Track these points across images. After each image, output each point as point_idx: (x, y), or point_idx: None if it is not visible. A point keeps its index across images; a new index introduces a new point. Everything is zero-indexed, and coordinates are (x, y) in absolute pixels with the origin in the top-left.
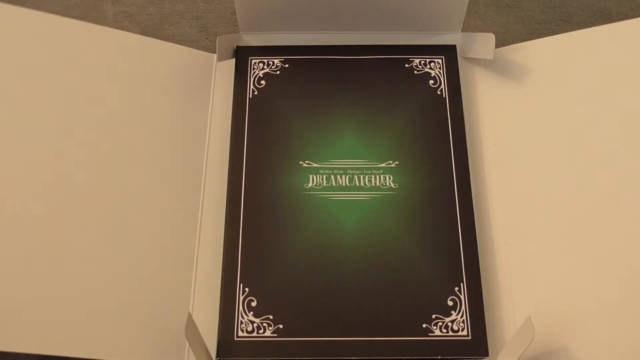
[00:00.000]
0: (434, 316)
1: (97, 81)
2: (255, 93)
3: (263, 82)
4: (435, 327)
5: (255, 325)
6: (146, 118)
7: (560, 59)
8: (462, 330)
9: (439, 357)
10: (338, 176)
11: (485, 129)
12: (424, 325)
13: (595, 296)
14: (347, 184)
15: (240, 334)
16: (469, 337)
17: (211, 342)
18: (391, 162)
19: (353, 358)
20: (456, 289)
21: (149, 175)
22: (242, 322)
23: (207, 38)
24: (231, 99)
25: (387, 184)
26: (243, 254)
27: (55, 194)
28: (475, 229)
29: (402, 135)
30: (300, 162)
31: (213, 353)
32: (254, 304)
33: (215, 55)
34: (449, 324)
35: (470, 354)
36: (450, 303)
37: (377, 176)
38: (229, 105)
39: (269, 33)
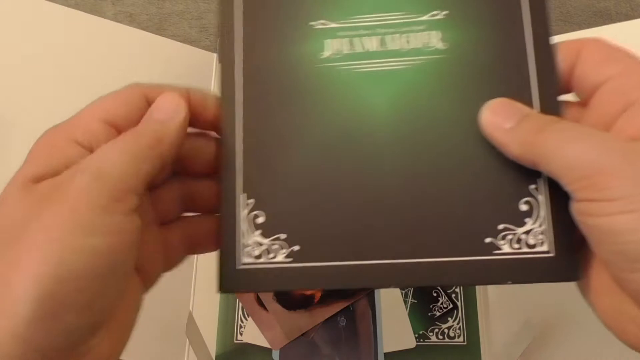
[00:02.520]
0: (500, 226)
1: (97, 75)
2: None
3: None
4: (503, 242)
5: (264, 248)
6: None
7: None
8: (542, 244)
9: (510, 282)
10: (364, 38)
11: None
12: (487, 240)
13: None
14: (377, 48)
15: (245, 260)
16: (552, 254)
17: (211, 341)
18: (438, 12)
19: (391, 287)
20: (532, 186)
21: None
22: (246, 245)
23: (207, 38)
24: None
25: (433, 44)
26: (245, 153)
27: None
28: (557, 101)
29: None
30: (312, 23)
31: (213, 353)
32: (261, 219)
33: (215, 55)
34: (522, 236)
35: (554, 278)
36: (523, 207)
37: (419, 34)
38: None
39: None
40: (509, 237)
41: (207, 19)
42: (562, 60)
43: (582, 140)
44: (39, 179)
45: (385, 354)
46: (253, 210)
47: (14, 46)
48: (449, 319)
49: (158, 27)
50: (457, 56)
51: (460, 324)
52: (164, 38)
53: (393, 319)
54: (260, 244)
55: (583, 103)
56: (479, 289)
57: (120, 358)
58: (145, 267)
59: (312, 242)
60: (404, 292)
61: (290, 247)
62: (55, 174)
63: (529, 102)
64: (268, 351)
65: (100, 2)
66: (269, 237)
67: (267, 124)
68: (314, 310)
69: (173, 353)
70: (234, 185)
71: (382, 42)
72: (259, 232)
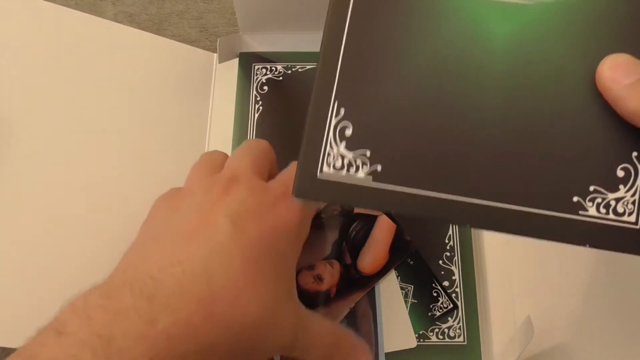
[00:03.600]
0: (592, 188)
1: (97, 75)
2: None
3: None
4: (590, 204)
5: (346, 160)
6: (146, 115)
7: None
8: (630, 214)
9: (588, 245)
10: None
11: None
12: (575, 199)
13: (598, 293)
14: None
15: (325, 169)
16: (638, 226)
17: None
18: None
19: (467, 225)
20: (635, 154)
21: (148, 172)
22: (329, 155)
23: (207, 38)
24: (233, 99)
25: None
26: (344, 59)
27: (54, 192)
28: None
29: None
30: None
31: None
32: (348, 131)
33: (215, 55)
34: (612, 202)
35: (635, 250)
36: (620, 173)
37: None
38: (230, 105)
39: (269, 33)
40: (598, 200)
41: (207, 19)
42: None
43: None
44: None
45: (386, 354)
46: (342, 120)
47: (14, 46)
48: (449, 318)
49: (158, 27)
50: (591, 3)
51: (461, 323)
52: (164, 38)
53: (394, 319)
54: (344, 157)
55: None
56: (479, 289)
57: None
58: None
59: (395, 164)
60: (404, 292)
61: (372, 165)
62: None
63: None
64: None
65: (100, 2)
66: (354, 150)
67: (373, 31)
68: (332, 305)
69: None
70: (329, 90)
71: None
72: (343, 143)
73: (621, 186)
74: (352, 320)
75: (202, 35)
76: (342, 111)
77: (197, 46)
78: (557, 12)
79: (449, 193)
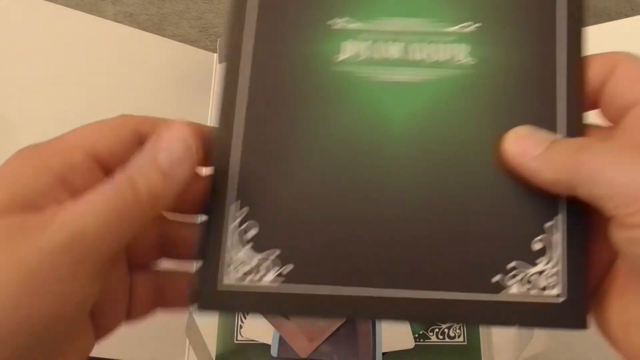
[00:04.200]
0: (511, 265)
1: (97, 75)
2: None
3: None
4: (512, 282)
5: (253, 264)
6: (145, 114)
7: None
8: (553, 287)
9: (517, 325)
10: (387, 43)
11: None
12: (495, 279)
13: None
14: (400, 56)
15: (229, 278)
16: (563, 299)
17: (211, 341)
18: (470, 23)
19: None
20: (548, 224)
21: None
22: (234, 260)
23: (207, 38)
24: None
25: (460, 58)
26: (243, 156)
27: None
28: (584, 124)
29: None
30: (329, 23)
31: (213, 353)
32: (254, 231)
33: (215, 55)
34: (533, 277)
35: (563, 325)
36: (537, 246)
37: (446, 45)
38: None
39: None
40: (519, 277)
41: (207, 19)
42: (594, 75)
43: (632, 159)
44: (3, 209)
45: (383, 353)
46: (245, 221)
47: (14, 46)
48: None
49: (158, 27)
50: (484, 74)
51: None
52: (164, 38)
53: None
54: (249, 260)
55: (611, 124)
56: None
57: (121, 359)
58: (103, 314)
59: (307, 262)
60: None
61: (283, 265)
62: (23, 204)
63: (553, 126)
64: (267, 347)
65: (100, 2)
66: (261, 252)
67: (271, 126)
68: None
69: (173, 353)
70: (226, 190)
71: (406, 50)
72: (249, 246)
73: (540, 259)
74: (350, 320)
75: (202, 35)
76: (245, 211)
77: (197, 46)
78: (452, 87)
79: (367, 286)
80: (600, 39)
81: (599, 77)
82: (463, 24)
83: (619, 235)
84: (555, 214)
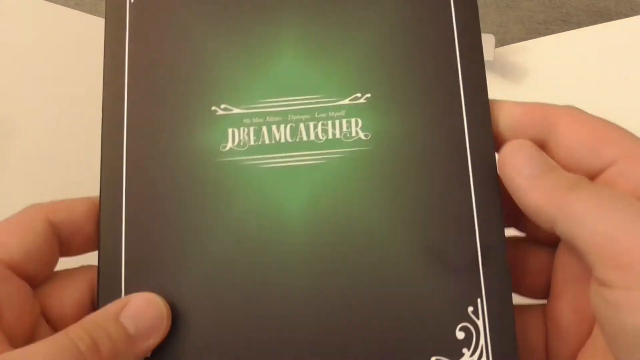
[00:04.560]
0: (433, 359)
1: (97, 75)
2: None
3: None
4: None
5: None
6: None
7: (560, 59)
8: None
9: None
10: (273, 127)
11: None
12: None
13: None
14: (289, 139)
15: None
16: None
17: None
18: (359, 94)
19: None
20: (470, 309)
21: None
22: None
23: None
24: None
25: (354, 133)
26: (127, 267)
27: (54, 191)
28: (500, 205)
29: (377, 51)
30: (214, 108)
31: None
32: None
33: None
34: None
35: None
36: (460, 335)
37: (337, 122)
38: None
39: None
40: None
41: None
42: (524, 128)
43: (621, 209)
44: None
45: None
46: None
47: (14, 46)
48: None
49: None
50: (381, 148)
51: None
52: None
53: None
54: None
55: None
56: None
57: None
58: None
59: None
60: None
61: None
62: None
63: (468, 203)
64: None
65: (100, 2)
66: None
67: (151, 232)
68: None
69: None
70: (113, 296)
71: (295, 131)
72: None
73: (464, 350)
74: None
75: None
76: None
77: None
78: (349, 167)
79: None
80: (600, 39)
81: (533, 131)
82: (353, 96)
83: (597, 297)
84: (479, 295)
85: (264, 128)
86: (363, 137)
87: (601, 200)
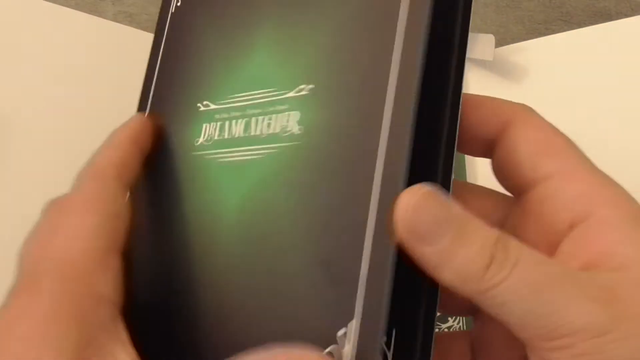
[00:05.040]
0: None
1: (97, 75)
2: (178, 4)
3: None
4: None
5: None
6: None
7: (560, 59)
8: None
9: None
10: (234, 122)
11: None
12: None
13: None
14: (242, 133)
15: None
16: None
17: None
18: (304, 86)
19: None
20: (340, 332)
21: None
22: None
23: None
24: None
25: (290, 127)
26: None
27: (54, 191)
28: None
29: (328, 41)
30: (198, 104)
31: None
32: None
33: None
34: None
35: None
36: None
37: (280, 115)
38: None
39: None
40: None
41: None
42: (480, 120)
43: (551, 286)
44: None
45: None
46: None
47: (14, 46)
48: (449, 319)
49: None
50: (307, 144)
51: (461, 324)
52: None
53: None
54: None
55: (505, 189)
56: None
57: None
58: None
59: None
60: None
61: None
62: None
63: (361, 211)
64: None
65: (100, 2)
66: None
67: (141, 214)
68: None
69: None
70: None
71: (247, 127)
72: None
73: None
74: None
75: None
76: None
77: None
78: (280, 163)
79: None
80: (600, 39)
81: (489, 126)
82: (299, 87)
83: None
84: (351, 317)
85: (227, 123)
86: (297, 132)
87: (530, 277)
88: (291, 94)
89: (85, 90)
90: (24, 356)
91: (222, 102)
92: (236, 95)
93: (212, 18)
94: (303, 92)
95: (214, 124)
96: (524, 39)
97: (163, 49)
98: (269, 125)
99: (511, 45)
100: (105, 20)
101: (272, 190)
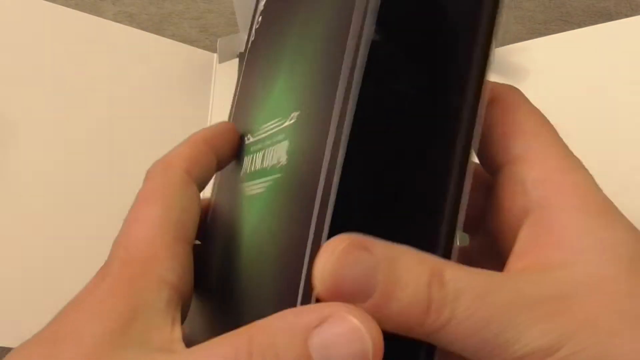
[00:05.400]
0: None
1: (97, 75)
2: (252, 38)
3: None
4: None
5: None
6: (145, 114)
7: (560, 59)
8: None
9: None
10: (257, 154)
11: None
12: None
13: None
14: (259, 165)
15: None
16: None
17: None
18: (294, 114)
19: None
20: None
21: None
22: None
23: (207, 38)
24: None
25: (281, 158)
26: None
27: (54, 191)
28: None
29: (314, 65)
30: (247, 137)
31: None
32: None
33: (215, 55)
34: None
35: None
36: None
37: (277, 146)
38: (229, 104)
39: None
40: None
41: (207, 19)
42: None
43: (499, 317)
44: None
45: None
46: None
47: (15, 46)
48: None
49: (158, 27)
50: (285, 177)
51: None
52: (164, 38)
53: None
54: None
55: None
56: None
57: None
58: None
59: None
60: None
61: None
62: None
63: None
64: None
65: (100, 2)
66: None
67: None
68: None
69: None
70: None
71: (263, 159)
72: None
73: None
74: None
75: (202, 35)
76: None
77: (197, 46)
78: (269, 197)
79: None
80: (600, 39)
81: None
82: (291, 116)
83: None
84: None
85: (253, 156)
86: (284, 162)
87: (470, 316)
88: (286, 123)
89: (85, 90)
90: (80, 329)
91: (255, 134)
92: (262, 127)
93: (262, 50)
94: (292, 120)
95: (250, 156)
96: (524, 39)
97: (243, 73)
98: (272, 156)
99: (511, 45)
100: (105, 20)
101: (255, 226)
